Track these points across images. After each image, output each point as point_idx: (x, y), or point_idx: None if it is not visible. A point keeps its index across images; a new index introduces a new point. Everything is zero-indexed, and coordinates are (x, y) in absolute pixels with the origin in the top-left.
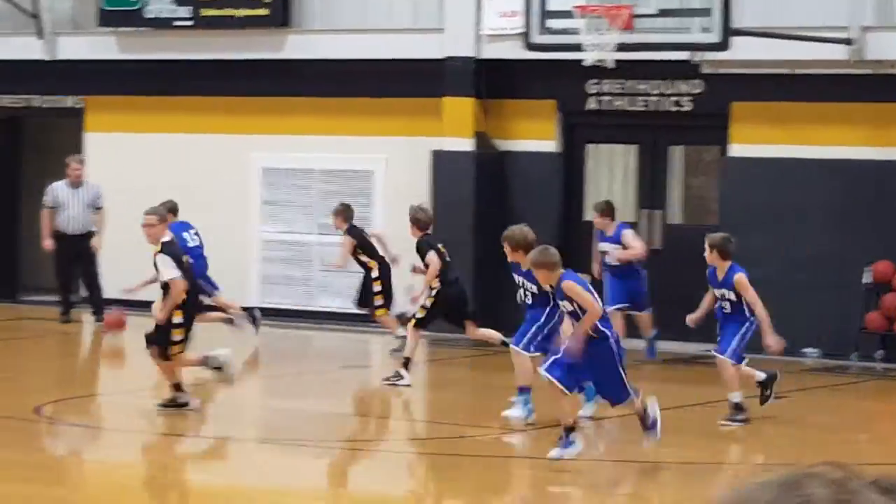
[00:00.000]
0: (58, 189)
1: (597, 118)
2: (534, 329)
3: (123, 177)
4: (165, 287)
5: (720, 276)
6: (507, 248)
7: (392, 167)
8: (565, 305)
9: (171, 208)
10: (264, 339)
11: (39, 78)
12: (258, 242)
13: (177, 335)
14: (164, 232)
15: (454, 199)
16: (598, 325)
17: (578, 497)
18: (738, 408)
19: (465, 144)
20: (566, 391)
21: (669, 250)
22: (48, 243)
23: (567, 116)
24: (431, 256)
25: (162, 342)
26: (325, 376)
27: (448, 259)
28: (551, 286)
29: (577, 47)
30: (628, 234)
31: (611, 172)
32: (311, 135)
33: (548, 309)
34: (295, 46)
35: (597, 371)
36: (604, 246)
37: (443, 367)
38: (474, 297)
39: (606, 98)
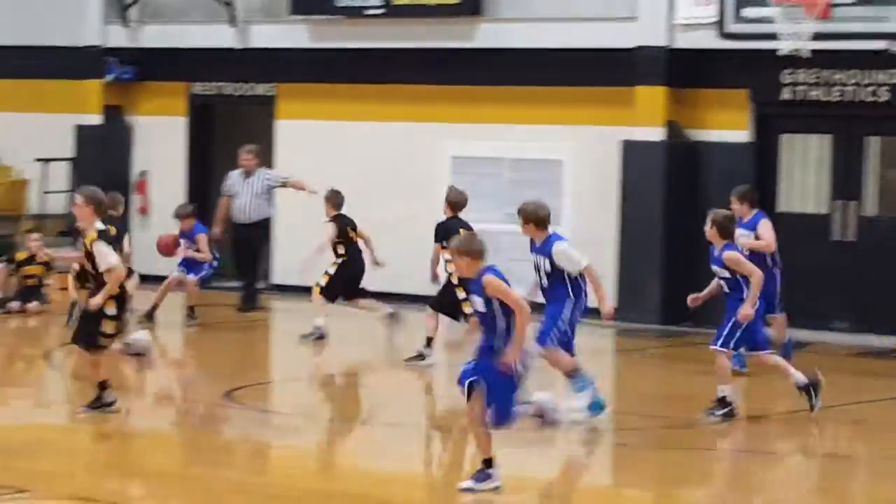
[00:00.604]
0: (233, 177)
1: (791, 108)
2: (553, 323)
3: (313, 164)
4: (99, 277)
5: (716, 254)
6: (520, 222)
7: (581, 157)
8: (475, 302)
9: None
10: (454, 327)
11: (232, 66)
12: None
13: (108, 328)
14: (94, 217)
15: (644, 189)
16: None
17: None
18: (722, 402)
19: (656, 134)
20: (484, 409)
21: (864, 242)
22: (216, 231)
23: (760, 106)
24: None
25: (92, 332)
26: None
27: None
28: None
29: (771, 36)
30: (764, 224)
31: (804, 163)
32: (500, 123)
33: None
34: (486, 35)
35: (495, 383)
36: (739, 231)
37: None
38: (664, 285)
39: (801, 88)
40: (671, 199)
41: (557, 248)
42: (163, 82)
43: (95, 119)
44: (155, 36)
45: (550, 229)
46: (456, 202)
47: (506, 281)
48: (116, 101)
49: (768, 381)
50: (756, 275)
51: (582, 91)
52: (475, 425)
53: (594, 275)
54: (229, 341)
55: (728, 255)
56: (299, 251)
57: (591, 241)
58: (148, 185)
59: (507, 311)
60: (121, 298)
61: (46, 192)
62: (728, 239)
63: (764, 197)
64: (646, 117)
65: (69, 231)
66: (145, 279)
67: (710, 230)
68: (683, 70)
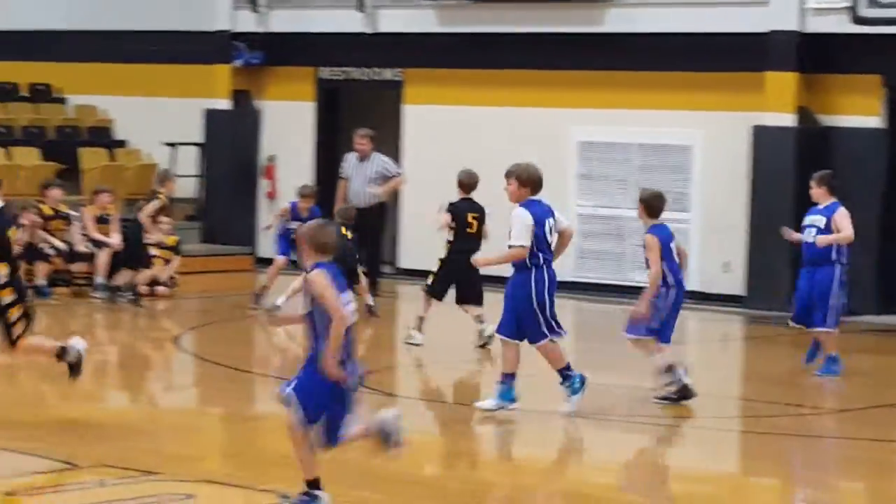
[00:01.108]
0: (349, 160)
1: None
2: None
3: (440, 149)
4: None
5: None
6: (512, 185)
7: (711, 142)
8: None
9: (468, 183)
10: (579, 314)
11: (359, 51)
12: (574, 216)
13: (13, 315)
14: None
15: (774, 175)
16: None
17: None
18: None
19: (787, 120)
20: (306, 425)
21: None
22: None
23: (893, 92)
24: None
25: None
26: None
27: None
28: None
29: None
30: (841, 214)
31: None
32: (629, 109)
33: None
34: (615, 20)
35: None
36: (811, 218)
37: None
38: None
39: None
40: (802, 186)
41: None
42: (291, 67)
43: (224, 104)
44: (283, 20)
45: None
46: (467, 184)
47: (339, 286)
48: (245, 85)
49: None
50: (655, 269)
51: (712, 76)
52: (293, 443)
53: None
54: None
55: (647, 238)
56: (425, 235)
57: (721, 227)
58: (276, 169)
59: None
60: None
61: (175, 176)
62: (654, 218)
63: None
64: (776, 103)
65: (195, 215)
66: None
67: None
68: (815, 55)
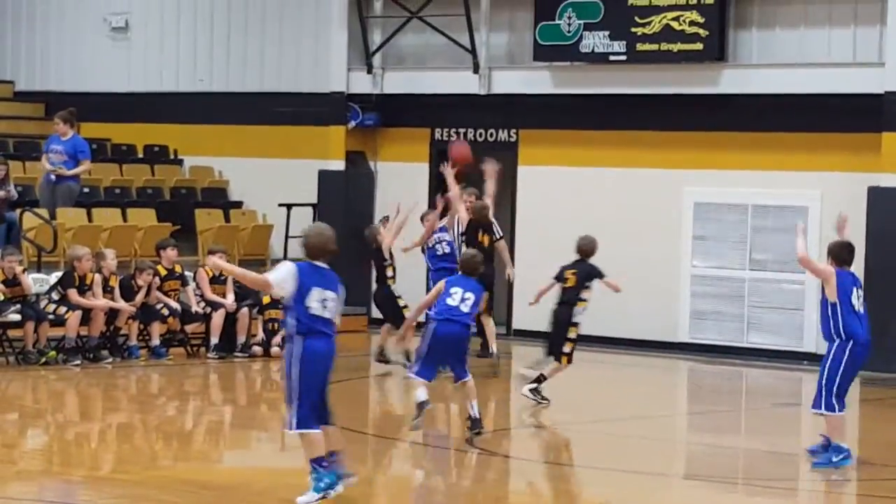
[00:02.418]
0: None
1: None
2: None
3: (554, 210)
4: None
5: None
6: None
7: (827, 203)
8: None
9: (587, 249)
10: (695, 375)
11: (474, 112)
12: (688, 277)
13: None
14: None
15: (890, 236)
16: None
17: None
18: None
19: None
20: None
21: None
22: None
23: None
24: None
25: None
26: (757, 413)
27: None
28: None
29: None
30: None
31: None
32: (744, 170)
33: None
34: (730, 81)
35: None
36: None
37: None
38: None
39: None
40: None
41: None
42: (405, 128)
43: (338, 165)
44: (398, 82)
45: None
46: (586, 250)
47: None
48: (359, 146)
49: None
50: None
51: (827, 137)
52: None
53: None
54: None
55: None
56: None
57: None
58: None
59: None
60: None
61: (289, 237)
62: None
63: None
64: (893, 164)
65: None
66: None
67: None
68: None
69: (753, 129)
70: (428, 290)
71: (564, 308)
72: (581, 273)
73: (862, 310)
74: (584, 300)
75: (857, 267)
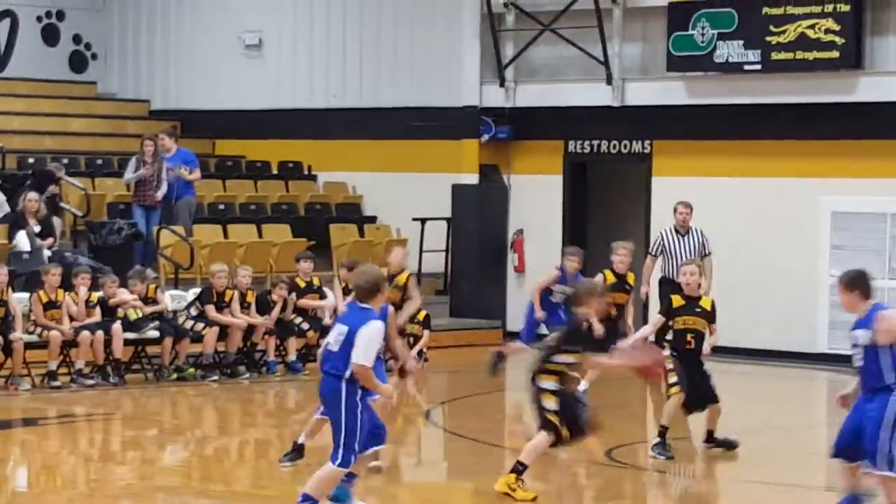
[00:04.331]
0: (664, 235)
1: None
2: None
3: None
4: None
5: None
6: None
7: None
8: None
9: None
10: (832, 385)
11: (607, 124)
12: (826, 287)
13: None
14: None
15: None
16: None
17: None
18: None
19: None
20: None
21: None
22: (645, 289)
23: None
24: None
25: None
26: None
27: None
28: None
29: None
30: None
31: None
32: (883, 178)
33: None
34: (867, 88)
35: None
36: None
37: None
38: None
39: None
40: None
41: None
42: (538, 141)
43: (472, 178)
44: (530, 95)
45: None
46: None
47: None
48: (492, 160)
49: None
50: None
51: None
52: None
53: None
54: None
55: None
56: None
57: None
58: (524, 243)
59: None
60: None
61: (424, 251)
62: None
63: None
64: None
65: (444, 289)
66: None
67: None
68: None
69: (891, 136)
70: None
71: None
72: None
73: None
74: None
75: None
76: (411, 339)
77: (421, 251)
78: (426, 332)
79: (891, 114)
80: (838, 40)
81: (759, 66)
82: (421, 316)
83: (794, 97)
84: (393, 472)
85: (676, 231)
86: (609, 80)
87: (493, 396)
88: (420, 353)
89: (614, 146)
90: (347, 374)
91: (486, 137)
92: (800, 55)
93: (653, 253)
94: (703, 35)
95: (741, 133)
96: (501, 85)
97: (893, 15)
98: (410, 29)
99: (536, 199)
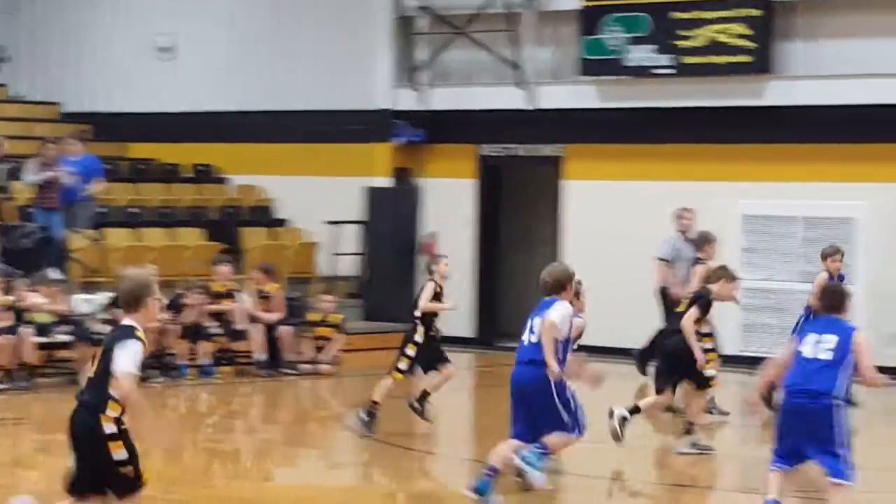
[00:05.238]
0: (671, 241)
1: None
2: None
3: (601, 225)
4: None
5: None
6: None
7: (875, 214)
8: None
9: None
10: (744, 388)
11: (520, 127)
12: (739, 290)
13: None
14: None
15: None
16: None
17: None
18: None
19: None
20: None
21: None
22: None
23: None
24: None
25: None
26: None
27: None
28: None
29: None
30: None
31: None
32: (792, 181)
33: None
34: (776, 93)
35: None
36: None
37: None
38: None
39: None
40: None
41: None
42: (452, 144)
43: (385, 181)
44: (444, 98)
45: None
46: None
47: None
48: (405, 163)
49: None
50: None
51: (874, 147)
52: None
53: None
54: None
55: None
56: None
57: (886, 297)
58: (436, 246)
59: None
60: None
61: (336, 254)
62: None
63: None
64: None
65: (357, 293)
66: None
67: None
68: None
69: (800, 140)
70: None
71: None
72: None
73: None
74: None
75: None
76: (323, 343)
77: (334, 254)
78: (341, 336)
79: (799, 118)
80: (748, 45)
81: (670, 71)
82: (335, 319)
83: (706, 101)
84: (306, 475)
85: (684, 237)
86: (522, 84)
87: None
88: (334, 356)
89: (527, 149)
90: None
91: (399, 141)
92: (711, 59)
93: (663, 257)
94: (614, 39)
95: (653, 137)
96: (415, 88)
97: (803, 19)
98: (324, 32)
99: (449, 202)
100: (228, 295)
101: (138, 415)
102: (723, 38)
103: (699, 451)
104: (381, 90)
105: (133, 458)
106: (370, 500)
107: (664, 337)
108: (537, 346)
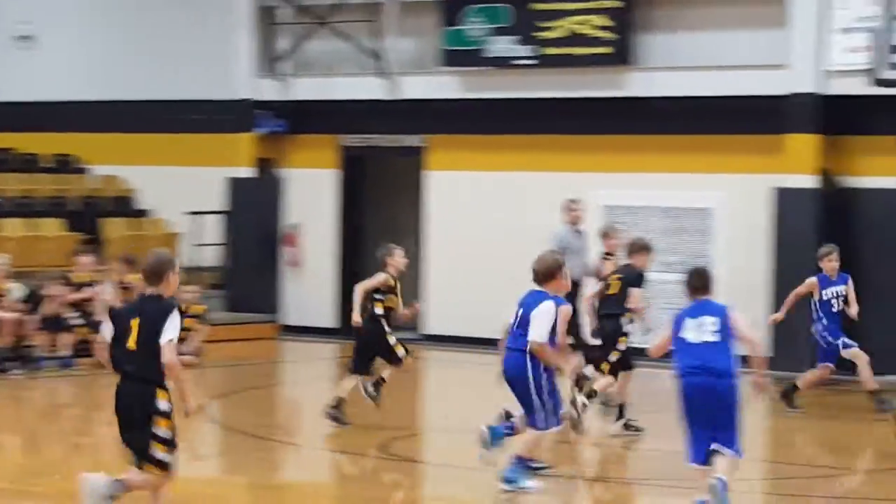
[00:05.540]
0: (563, 231)
1: None
2: None
3: (463, 215)
4: None
5: None
6: None
7: (732, 204)
8: None
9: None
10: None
11: (382, 118)
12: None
13: None
14: None
15: (795, 237)
16: None
17: None
18: None
19: (808, 182)
20: None
21: None
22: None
23: None
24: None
25: None
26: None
27: None
28: None
29: None
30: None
31: None
32: (650, 172)
33: None
34: (636, 84)
35: None
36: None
37: None
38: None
39: None
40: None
41: None
42: (314, 135)
43: (247, 172)
44: (306, 88)
45: None
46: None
47: None
48: (268, 153)
49: None
50: None
51: (733, 139)
52: None
53: None
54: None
55: None
56: (450, 300)
57: (742, 288)
58: (298, 237)
59: None
60: None
61: (198, 245)
62: None
63: None
64: (797, 165)
65: (219, 283)
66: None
67: None
68: (835, 117)
69: (659, 131)
70: None
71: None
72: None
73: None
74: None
75: (763, 267)
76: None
77: (196, 245)
78: (203, 327)
79: (658, 109)
80: (608, 36)
81: (531, 62)
82: (197, 310)
83: (566, 92)
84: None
85: (574, 228)
86: (383, 75)
87: (269, 391)
88: (197, 347)
89: (389, 140)
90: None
91: (261, 131)
92: (571, 51)
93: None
94: (476, 30)
95: (515, 128)
96: (277, 79)
97: (662, 11)
98: (186, 22)
99: (312, 192)
100: (89, 286)
101: (176, 381)
102: (583, 30)
103: (632, 432)
104: (243, 80)
105: (173, 441)
106: (233, 491)
107: (603, 321)
108: (520, 334)
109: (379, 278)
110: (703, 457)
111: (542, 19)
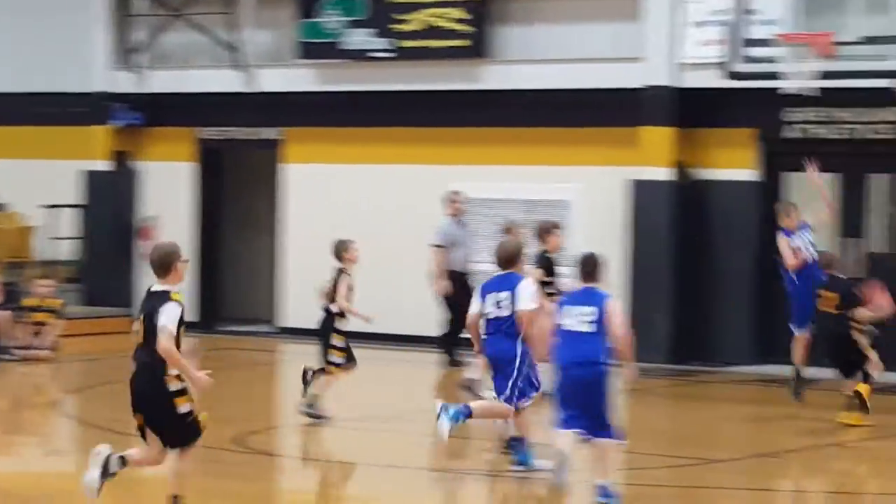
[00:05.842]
0: (447, 225)
1: (797, 147)
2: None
3: (321, 208)
4: None
5: None
6: None
7: (588, 197)
8: None
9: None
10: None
11: (239, 111)
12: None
13: None
14: None
15: (651, 229)
16: None
17: None
18: None
19: (663, 174)
20: None
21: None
22: (442, 284)
23: (767, 145)
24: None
25: None
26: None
27: None
28: None
29: (777, 76)
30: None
31: (810, 201)
32: (508, 165)
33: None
34: (493, 77)
35: None
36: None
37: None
38: (673, 323)
39: (807, 126)
40: (679, 238)
41: None
42: (170, 127)
43: (103, 165)
44: (163, 81)
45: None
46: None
47: None
48: (124, 146)
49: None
50: None
51: (588, 131)
52: None
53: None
54: (238, 384)
55: None
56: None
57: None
58: (154, 230)
59: None
60: None
61: (53, 238)
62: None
63: (771, 235)
64: (653, 157)
65: (75, 277)
66: None
67: None
68: (690, 110)
69: (516, 124)
70: None
71: None
72: None
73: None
74: None
75: (619, 258)
76: (41, 328)
77: (51, 238)
78: (60, 321)
79: (515, 102)
80: (465, 29)
81: (388, 55)
82: (53, 304)
83: (424, 85)
84: (23, 463)
85: (458, 221)
86: (240, 67)
87: (125, 386)
88: (53, 341)
89: (246, 133)
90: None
91: (117, 124)
92: (428, 43)
93: (440, 244)
94: (332, 22)
95: (372, 121)
96: (133, 70)
97: (518, 4)
98: (40, 12)
99: (169, 185)
100: None
101: (174, 366)
102: (440, 23)
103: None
104: (98, 72)
105: (192, 410)
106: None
107: None
108: (506, 319)
109: (347, 280)
110: (570, 427)
111: (399, 12)
